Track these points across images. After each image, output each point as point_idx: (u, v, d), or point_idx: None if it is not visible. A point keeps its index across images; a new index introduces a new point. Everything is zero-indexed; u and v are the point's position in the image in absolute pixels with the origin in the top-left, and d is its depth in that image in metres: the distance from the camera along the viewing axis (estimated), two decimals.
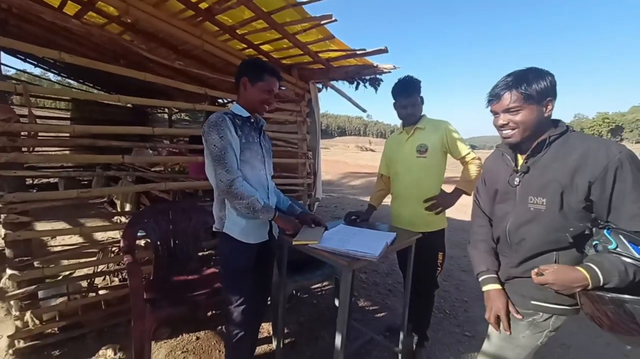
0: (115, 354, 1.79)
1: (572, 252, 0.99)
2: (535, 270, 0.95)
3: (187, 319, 2.09)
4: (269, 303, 2.00)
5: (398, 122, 1.95)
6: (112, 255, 2.23)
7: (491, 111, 1.09)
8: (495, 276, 1.13)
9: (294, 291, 2.57)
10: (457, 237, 4.51)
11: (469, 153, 1.75)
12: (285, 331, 2.10)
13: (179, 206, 2.14)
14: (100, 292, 2.08)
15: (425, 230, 1.78)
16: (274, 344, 1.95)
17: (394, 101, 1.86)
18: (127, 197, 3.46)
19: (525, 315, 1.06)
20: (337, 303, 2.27)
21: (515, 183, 1.09)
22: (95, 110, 5.92)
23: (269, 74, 1.42)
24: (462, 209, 6.49)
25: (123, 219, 2.80)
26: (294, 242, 1.47)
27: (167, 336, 1.99)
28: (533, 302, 1.04)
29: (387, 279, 3.07)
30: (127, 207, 3.50)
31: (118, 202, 3.71)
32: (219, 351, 1.90)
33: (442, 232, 1.87)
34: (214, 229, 1.49)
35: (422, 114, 1.85)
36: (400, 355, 1.82)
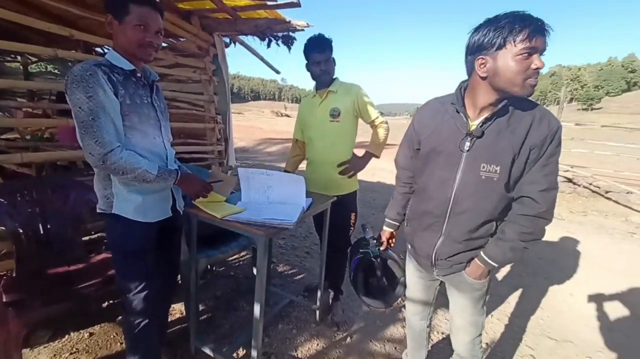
0: None
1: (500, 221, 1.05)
2: None
3: (74, 315, 1.76)
4: (179, 282, 1.84)
5: (313, 87, 1.89)
6: None
7: (530, 47, 0.84)
8: (396, 223, 1.38)
9: (208, 266, 2.43)
10: (366, 198, 4.92)
11: (377, 117, 1.82)
12: (201, 308, 1.98)
13: (47, 183, 1.70)
14: None
15: (339, 193, 1.84)
16: (189, 324, 1.83)
17: (306, 61, 1.78)
18: None
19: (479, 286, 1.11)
20: (255, 271, 2.24)
21: (465, 148, 0.99)
22: None
23: (135, 2, 1.09)
24: (370, 171, 7.11)
25: None
26: (197, 201, 1.37)
27: (49, 339, 1.66)
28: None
29: (305, 242, 3.17)
30: None
31: None
32: (120, 344, 1.68)
33: (354, 194, 1.96)
34: (98, 211, 1.22)
35: (335, 76, 1.83)
36: (317, 311, 1.93)
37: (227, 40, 3.12)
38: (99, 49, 3.78)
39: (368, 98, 1.81)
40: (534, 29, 0.83)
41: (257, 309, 1.34)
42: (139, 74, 1.20)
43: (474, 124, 0.99)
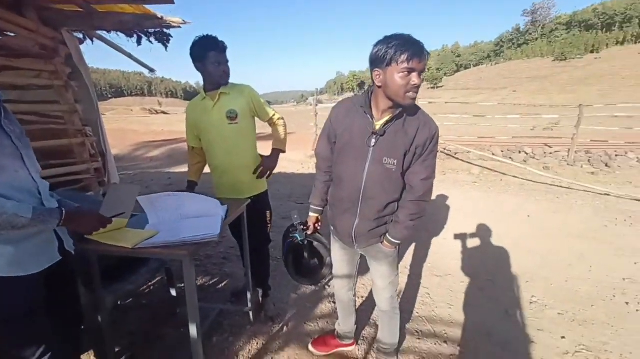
0: None
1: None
2: None
3: None
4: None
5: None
6: None
7: (408, 68, 1.05)
8: (320, 209, 1.53)
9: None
10: (271, 190, 4.97)
11: (274, 114, 1.89)
12: (117, 349, 1.73)
13: None
14: None
15: (251, 194, 1.86)
16: None
17: (198, 60, 1.68)
18: None
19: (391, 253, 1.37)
20: (173, 292, 2.07)
21: (372, 144, 1.19)
22: None
23: None
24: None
25: None
26: (91, 236, 1.22)
27: None
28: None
29: (219, 248, 3.06)
30: None
31: None
32: None
33: (266, 193, 2.01)
34: None
35: None
36: (250, 313, 1.96)
37: (80, 36, 2.61)
38: None
39: (261, 98, 1.85)
40: (412, 53, 1.03)
41: (193, 329, 1.29)
42: None
43: (379, 124, 1.19)
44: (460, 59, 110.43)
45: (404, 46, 1.04)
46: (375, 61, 1.11)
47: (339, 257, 1.53)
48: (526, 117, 8.29)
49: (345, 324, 1.73)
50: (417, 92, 1.10)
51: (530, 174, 5.59)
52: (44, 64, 2.21)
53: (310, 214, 1.55)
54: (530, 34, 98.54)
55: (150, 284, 2.38)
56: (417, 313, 2.10)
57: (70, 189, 2.21)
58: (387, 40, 1.08)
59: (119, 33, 2.53)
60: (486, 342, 1.85)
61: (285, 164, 7.22)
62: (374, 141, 1.19)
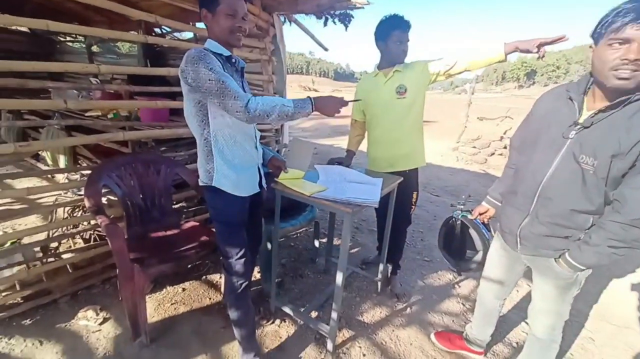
0: (97, 314, 1.72)
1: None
2: None
3: (177, 273, 2.04)
4: None
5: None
6: (68, 216, 1.97)
7: (619, 38, 0.84)
8: (494, 201, 1.43)
9: None
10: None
11: (442, 64, 1.71)
12: None
13: (143, 159, 1.91)
14: (64, 256, 1.87)
15: (405, 168, 1.90)
16: (263, 286, 2.06)
17: (381, 39, 1.77)
18: (60, 149, 2.94)
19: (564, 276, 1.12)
20: (316, 243, 2.41)
21: (570, 136, 1.00)
22: None
23: None
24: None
25: (60, 176, 2.43)
26: (279, 179, 1.54)
27: (150, 291, 1.95)
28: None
29: (353, 218, 3.30)
30: (62, 161, 2.99)
31: (47, 156, 3.14)
32: (209, 299, 1.94)
33: (416, 172, 1.99)
34: (200, 184, 1.39)
35: None
36: (379, 283, 2.08)
37: (282, 19, 3.15)
38: (158, 30, 3.96)
39: (429, 60, 1.77)
40: (626, 16, 0.83)
41: (339, 277, 1.49)
42: (233, 60, 1.32)
43: (587, 114, 0.99)
44: None
45: (621, 10, 0.84)
46: (592, 36, 0.94)
47: (495, 258, 1.39)
48: None
49: (479, 331, 1.60)
50: (633, 71, 0.84)
51: None
52: (257, 42, 2.80)
53: (483, 202, 1.49)
54: None
55: (297, 233, 2.84)
56: (572, 354, 1.74)
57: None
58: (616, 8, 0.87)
59: (311, 16, 2.93)
60: None
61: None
62: (573, 132, 0.99)
